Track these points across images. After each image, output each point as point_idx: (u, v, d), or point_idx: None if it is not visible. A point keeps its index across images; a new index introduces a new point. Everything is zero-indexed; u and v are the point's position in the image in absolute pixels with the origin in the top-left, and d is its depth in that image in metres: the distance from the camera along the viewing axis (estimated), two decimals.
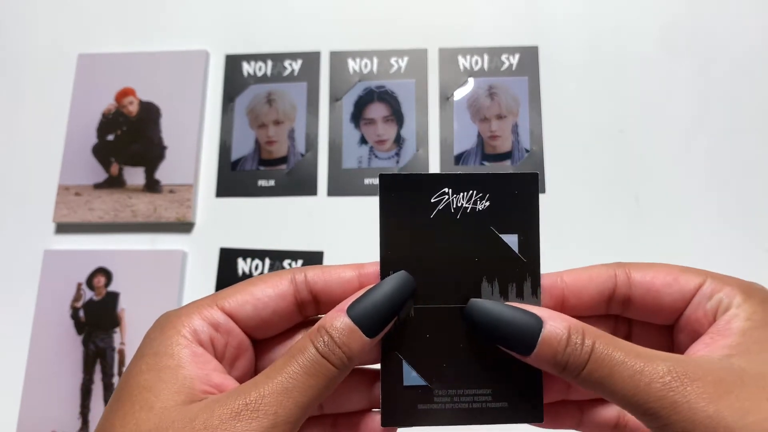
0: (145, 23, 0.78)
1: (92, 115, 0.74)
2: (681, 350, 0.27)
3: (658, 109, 0.71)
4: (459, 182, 0.29)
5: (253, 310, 0.27)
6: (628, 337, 0.30)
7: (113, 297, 0.68)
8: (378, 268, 0.28)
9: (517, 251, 0.28)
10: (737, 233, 0.66)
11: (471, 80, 0.73)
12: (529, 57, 0.73)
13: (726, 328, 0.25)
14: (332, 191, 0.70)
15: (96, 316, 0.68)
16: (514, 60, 0.73)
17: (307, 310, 0.29)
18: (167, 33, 0.77)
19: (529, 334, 0.25)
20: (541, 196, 0.67)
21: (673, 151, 0.69)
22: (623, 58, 0.73)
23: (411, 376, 0.28)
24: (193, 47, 0.76)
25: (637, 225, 0.67)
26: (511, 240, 0.28)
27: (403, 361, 0.28)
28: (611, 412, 0.30)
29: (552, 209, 0.68)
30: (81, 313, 0.68)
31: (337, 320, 0.26)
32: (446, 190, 0.29)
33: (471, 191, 0.29)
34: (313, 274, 0.28)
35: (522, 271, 0.28)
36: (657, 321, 0.28)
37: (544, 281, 0.28)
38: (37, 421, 0.65)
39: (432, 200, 0.29)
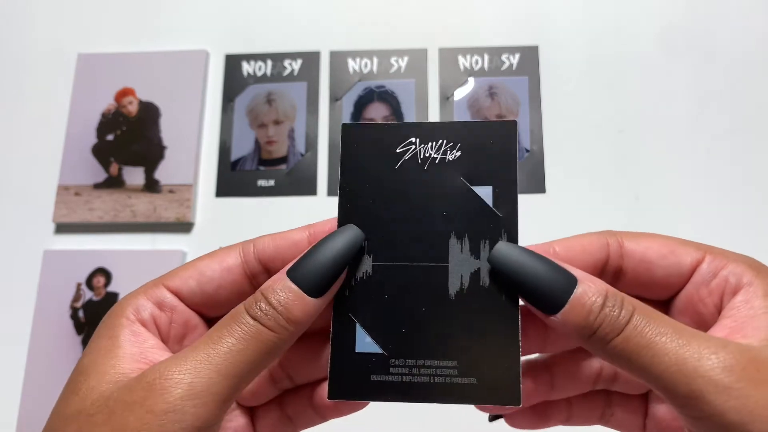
0: (145, 23, 0.78)
1: (92, 115, 0.74)
2: None
3: (658, 109, 0.71)
4: (427, 131, 0.26)
5: (197, 285, 0.26)
6: None
7: (113, 297, 0.68)
8: (334, 225, 0.27)
9: (491, 205, 0.26)
10: (737, 233, 0.66)
11: (471, 80, 0.73)
12: (529, 57, 0.73)
13: (748, 309, 0.23)
14: (332, 191, 0.70)
15: (96, 316, 0.67)
16: (514, 60, 0.73)
17: (260, 282, 0.27)
18: (167, 33, 0.77)
19: (560, 290, 0.23)
20: (540, 196, 0.69)
21: (673, 151, 0.69)
22: (623, 58, 0.73)
23: (365, 342, 0.25)
24: (193, 47, 0.76)
25: (637, 225, 0.67)
26: (485, 192, 0.26)
27: (357, 325, 0.25)
28: (597, 403, 0.29)
29: (552, 209, 0.68)
30: (81, 313, 0.68)
31: (277, 283, 0.24)
32: (413, 139, 0.26)
33: (441, 141, 0.26)
34: (262, 242, 0.27)
35: (497, 227, 0.25)
36: (650, 296, 0.27)
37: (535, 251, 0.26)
38: (37, 421, 0.65)
39: (397, 151, 0.26)
